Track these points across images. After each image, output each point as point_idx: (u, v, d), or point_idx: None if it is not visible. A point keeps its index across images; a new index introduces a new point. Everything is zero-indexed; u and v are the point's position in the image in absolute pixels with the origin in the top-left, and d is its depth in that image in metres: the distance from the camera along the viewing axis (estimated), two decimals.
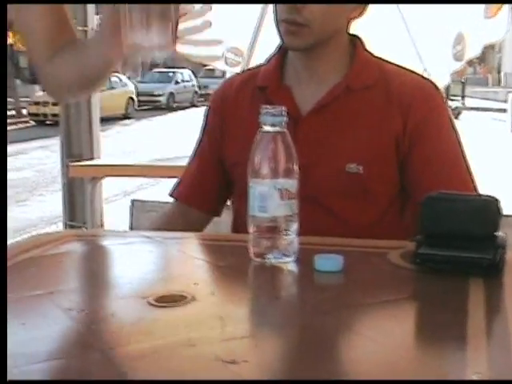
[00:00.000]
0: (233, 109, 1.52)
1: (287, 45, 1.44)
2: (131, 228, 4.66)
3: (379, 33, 1.55)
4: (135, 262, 1.20)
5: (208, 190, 1.57)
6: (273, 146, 1.07)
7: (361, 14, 1.45)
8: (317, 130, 1.42)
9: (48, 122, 18.23)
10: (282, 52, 1.51)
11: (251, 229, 1.08)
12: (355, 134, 1.42)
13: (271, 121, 1.07)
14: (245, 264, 1.10)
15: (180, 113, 22.70)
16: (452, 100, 19.42)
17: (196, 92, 27.54)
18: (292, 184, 1.06)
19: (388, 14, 3.60)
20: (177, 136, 14.47)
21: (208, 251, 1.33)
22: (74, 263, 1.26)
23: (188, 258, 1.26)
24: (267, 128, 1.08)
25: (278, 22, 1.41)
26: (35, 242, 1.30)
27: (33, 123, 19.43)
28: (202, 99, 27.66)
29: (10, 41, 21.59)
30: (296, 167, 1.07)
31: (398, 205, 1.46)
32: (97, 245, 1.40)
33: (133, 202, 5.08)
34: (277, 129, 1.07)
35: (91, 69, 1.30)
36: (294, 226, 1.07)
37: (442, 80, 3.91)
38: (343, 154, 1.41)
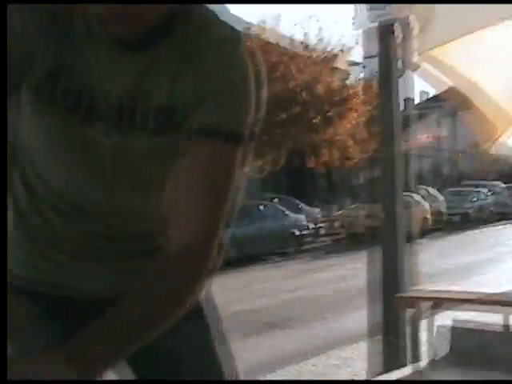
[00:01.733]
0: None
1: None
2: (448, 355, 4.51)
3: None
4: None
5: None
6: None
7: None
8: None
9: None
10: None
11: None
12: None
13: None
14: None
15: (473, 233, 22.06)
16: None
17: (491, 210, 26.97)
18: None
19: None
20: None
21: None
22: None
23: None
24: None
25: None
26: None
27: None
28: (498, 217, 26.59)
29: None
30: None
31: None
32: None
33: (452, 328, 4.91)
34: None
35: None
36: None
37: None
38: None
